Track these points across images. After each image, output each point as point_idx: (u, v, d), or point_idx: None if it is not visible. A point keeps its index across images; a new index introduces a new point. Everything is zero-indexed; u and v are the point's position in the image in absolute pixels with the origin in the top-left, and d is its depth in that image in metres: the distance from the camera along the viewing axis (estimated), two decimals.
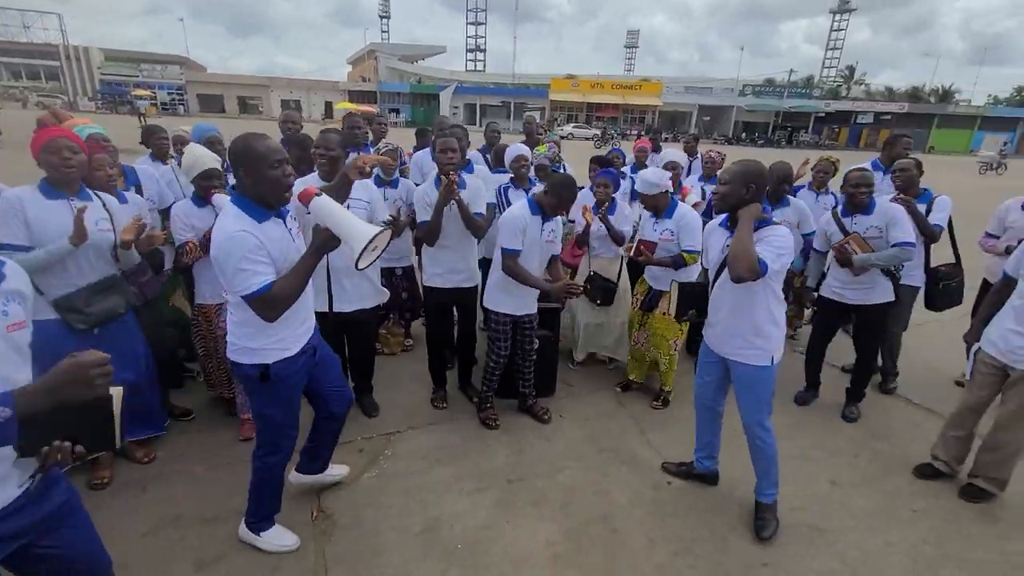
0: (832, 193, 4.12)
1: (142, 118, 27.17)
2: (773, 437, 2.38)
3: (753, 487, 2.47)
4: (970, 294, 3.52)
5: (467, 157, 4.06)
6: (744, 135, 45.99)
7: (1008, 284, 2.60)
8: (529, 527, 2.41)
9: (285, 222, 1.92)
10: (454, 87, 48.99)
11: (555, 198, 2.78)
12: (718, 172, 4.43)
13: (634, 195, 4.15)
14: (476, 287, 3.28)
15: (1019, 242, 2.76)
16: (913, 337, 3.90)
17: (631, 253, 3.40)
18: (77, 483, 2.15)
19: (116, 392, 1.24)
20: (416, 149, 4.87)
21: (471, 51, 68.61)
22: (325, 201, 1.78)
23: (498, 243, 2.83)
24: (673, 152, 4.50)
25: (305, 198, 1.78)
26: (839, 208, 3.28)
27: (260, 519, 2.22)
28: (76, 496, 1.46)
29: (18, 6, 50.91)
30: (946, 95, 54.51)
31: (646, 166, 4.89)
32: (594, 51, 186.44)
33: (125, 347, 2.48)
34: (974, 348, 2.70)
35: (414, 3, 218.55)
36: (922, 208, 3.35)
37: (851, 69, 62.09)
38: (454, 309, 3.33)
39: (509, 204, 3.70)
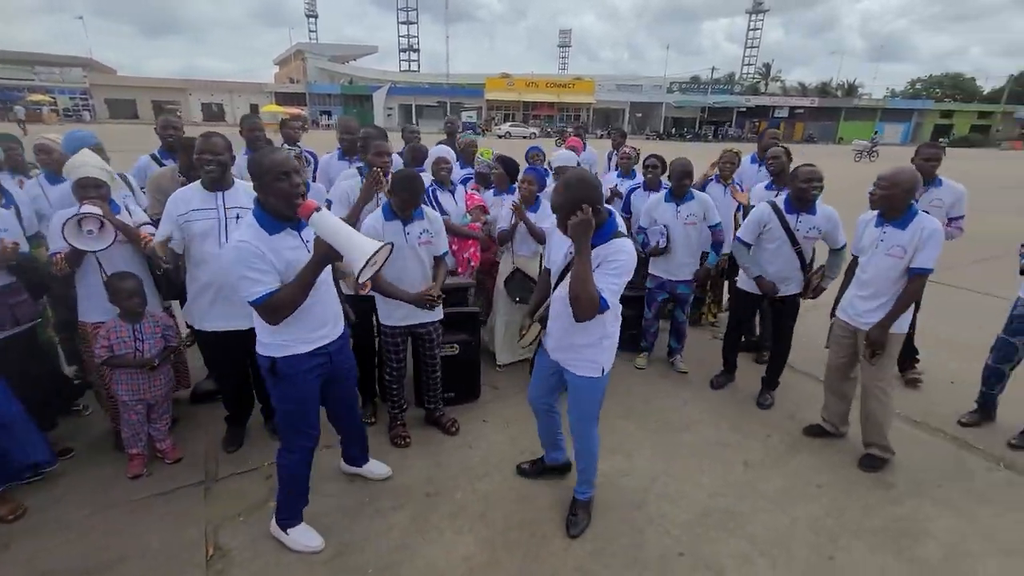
0: (739, 183, 4.29)
1: (22, 125, 24.70)
2: (596, 442, 2.38)
3: (669, 486, 2.49)
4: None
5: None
6: (674, 131, 47.85)
7: (856, 261, 2.89)
8: (446, 542, 2.31)
9: (301, 234, 1.99)
10: (387, 88, 48.02)
11: (397, 196, 2.61)
12: (634, 167, 4.54)
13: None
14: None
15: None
16: (819, 318, 4.13)
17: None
18: None
19: None
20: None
21: (404, 51, 67.59)
22: (325, 216, 1.80)
23: None
24: (567, 155, 4.51)
25: (304, 212, 1.79)
26: (783, 204, 3.19)
27: (287, 517, 2.29)
28: None
29: None
30: (851, 90, 59.00)
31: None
32: (527, 50, 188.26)
33: None
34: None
35: (342, 2, 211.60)
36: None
37: (767, 67, 66.06)
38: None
39: (438, 206, 3.60)
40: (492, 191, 4.12)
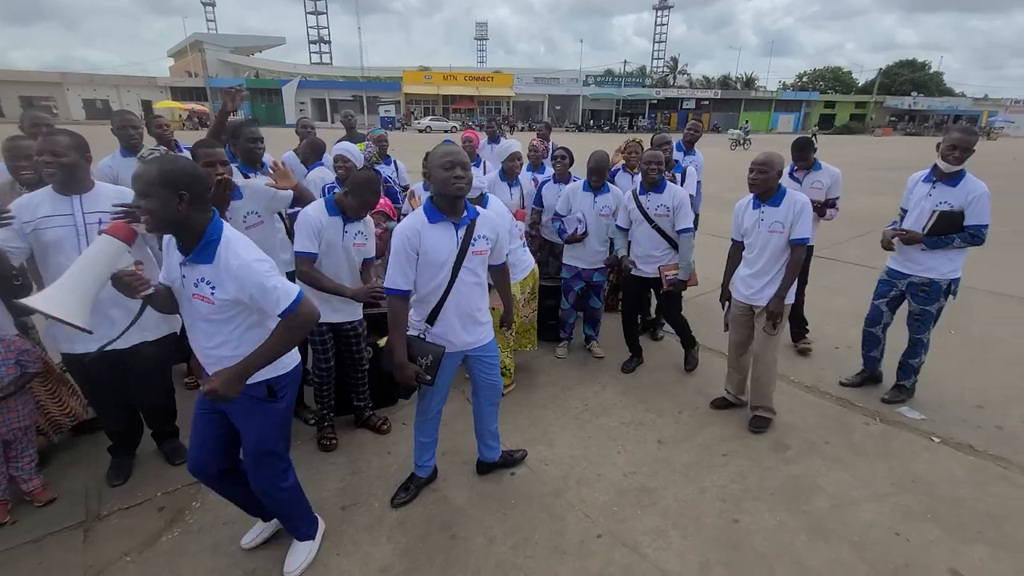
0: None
1: None
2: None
3: (587, 470, 2.54)
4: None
5: (283, 158, 3.67)
6: (592, 122, 49.24)
7: (737, 246, 3.14)
8: (362, 555, 2.22)
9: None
10: (298, 81, 45.51)
11: (356, 198, 2.56)
12: (544, 161, 4.57)
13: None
14: None
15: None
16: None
17: None
18: None
19: None
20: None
21: (314, 43, 64.38)
22: (94, 247, 1.73)
23: (294, 246, 2.59)
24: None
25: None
26: (638, 187, 3.56)
27: (310, 526, 2.22)
28: None
29: None
30: (749, 82, 63.65)
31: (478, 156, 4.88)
32: (445, 43, 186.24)
33: None
34: (728, 304, 3.22)
35: None
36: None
37: (675, 60, 69.71)
38: None
39: None
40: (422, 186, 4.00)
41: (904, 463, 2.81)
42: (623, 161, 4.41)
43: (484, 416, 2.61)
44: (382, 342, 2.30)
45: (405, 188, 4.37)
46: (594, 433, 3.08)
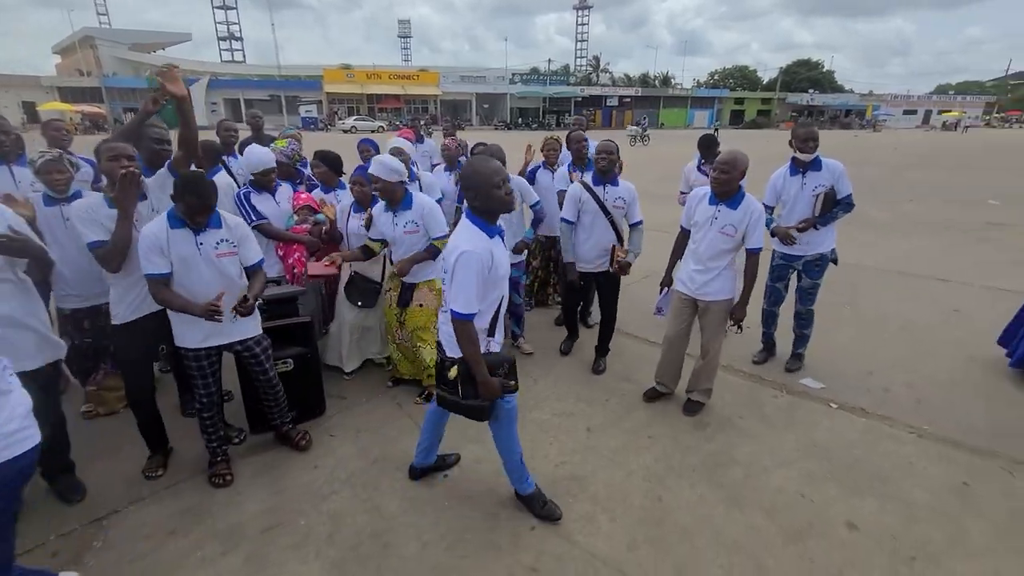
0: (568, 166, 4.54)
1: None
2: None
3: (530, 458, 2.56)
4: None
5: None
6: (520, 120, 49.75)
7: (685, 234, 3.16)
8: (289, 575, 2.12)
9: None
10: (207, 80, 42.59)
11: (180, 203, 2.27)
12: (461, 159, 4.55)
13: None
14: None
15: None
16: (649, 287, 4.58)
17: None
18: None
19: None
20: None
21: (224, 39, 60.49)
22: None
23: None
24: (401, 141, 4.41)
25: None
26: (591, 177, 3.52)
27: None
28: None
29: None
30: (666, 80, 66.77)
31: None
32: (367, 41, 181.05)
33: None
34: (666, 290, 3.30)
35: None
36: None
37: (597, 59, 71.83)
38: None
39: (251, 210, 3.22)
40: (320, 188, 3.85)
41: (807, 430, 3.07)
42: (543, 159, 4.48)
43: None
44: (452, 373, 2.13)
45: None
46: (527, 427, 3.11)
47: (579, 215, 3.51)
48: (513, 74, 55.64)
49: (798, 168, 3.45)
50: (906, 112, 62.43)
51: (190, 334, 2.43)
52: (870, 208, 9.05)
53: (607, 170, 3.42)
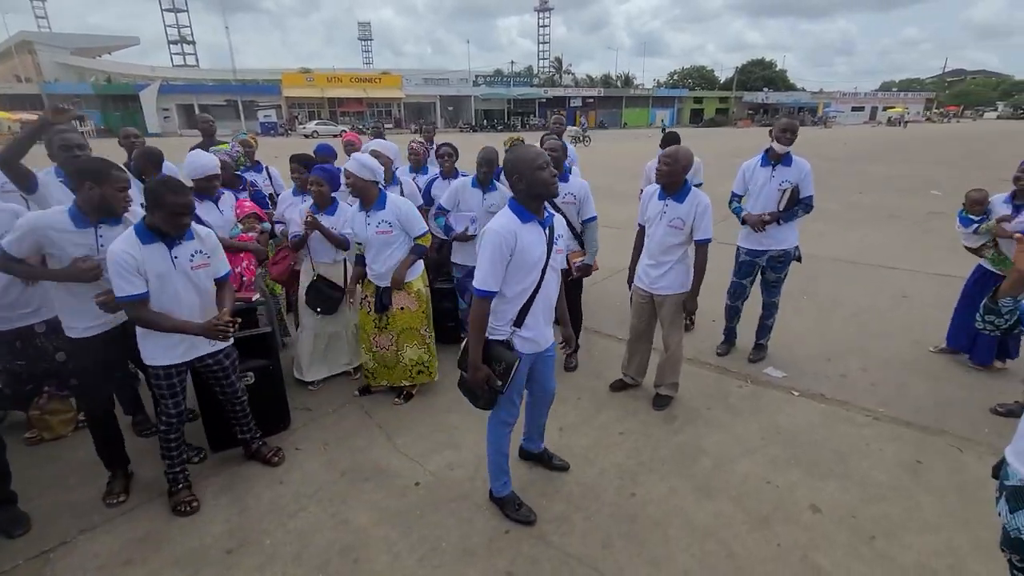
0: None
1: None
2: None
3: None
4: None
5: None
6: (485, 122, 49.72)
7: (643, 230, 3.22)
8: None
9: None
10: (158, 86, 40.96)
11: (163, 209, 2.14)
12: (427, 163, 4.50)
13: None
14: None
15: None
16: (617, 284, 4.63)
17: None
18: None
19: None
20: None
21: (175, 43, 58.30)
22: None
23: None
24: (381, 143, 4.37)
25: None
26: None
27: None
28: None
29: None
30: (627, 81, 67.97)
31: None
32: (327, 44, 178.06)
33: None
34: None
35: None
36: None
37: (559, 60, 72.44)
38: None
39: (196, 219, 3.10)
40: (292, 191, 3.74)
41: (771, 417, 3.15)
42: None
43: (538, 415, 2.63)
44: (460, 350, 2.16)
45: (278, 195, 4.07)
46: None
47: None
48: (477, 76, 55.66)
49: (770, 160, 3.54)
50: (854, 109, 65.31)
51: (164, 351, 2.31)
52: (822, 200, 9.45)
53: (554, 166, 3.47)
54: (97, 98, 40.82)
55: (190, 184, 3.17)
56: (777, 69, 73.69)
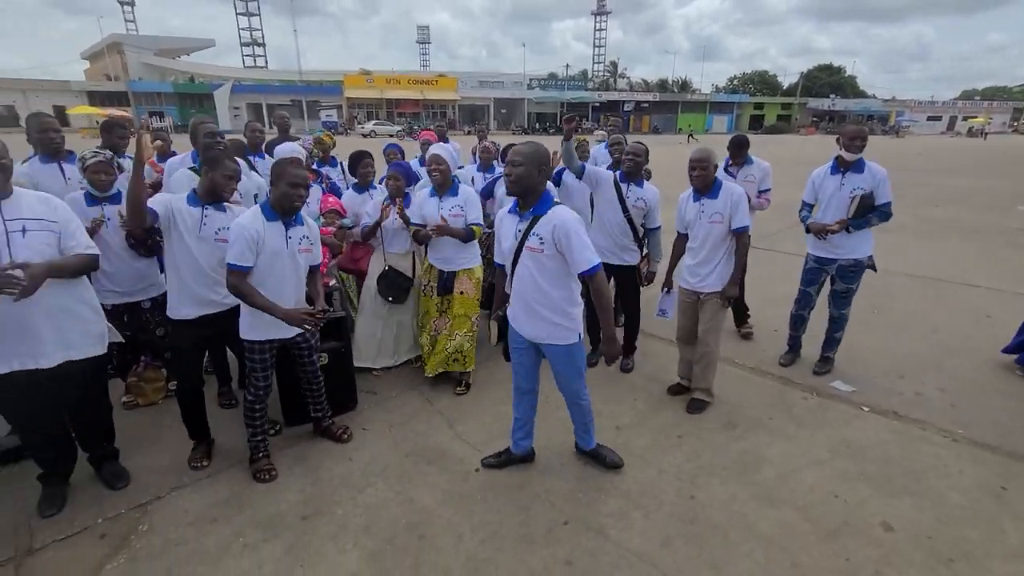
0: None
1: None
2: (588, 397, 2.63)
3: (550, 460, 2.59)
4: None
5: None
6: (537, 125, 49.88)
7: (682, 237, 3.31)
8: (329, 564, 2.16)
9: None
10: (231, 85, 43.52)
11: (285, 182, 2.40)
12: (493, 161, 4.61)
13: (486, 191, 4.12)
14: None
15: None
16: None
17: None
18: None
19: None
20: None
21: (247, 45, 61.74)
22: None
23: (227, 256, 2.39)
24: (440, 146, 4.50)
25: None
26: (618, 174, 3.60)
27: None
28: None
29: None
30: (684, 86, 66.44)
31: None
32: (385, 47, 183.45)
33: None
34: (666, 291, 3.40)
35: None
36: None
37: (615, 64, 71.76)
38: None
39: None
40: (354, 188, 3.95)
41: (839, 431, 3.04)
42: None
43: (570, 413, 2.71)
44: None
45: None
46: (555, 425, 3.13)
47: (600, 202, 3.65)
48: (531, 79, 55.90)
49: (839, 167, 3.43)
50: (930, 118, 61.27)
51: (264, 327, 2.50)
52: (895, 212, 8.93)
53: (632, 171, 3.52)
54: (176, 96, 43.82)
55: None
56: (846, 75, 70.12)
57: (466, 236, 3.30)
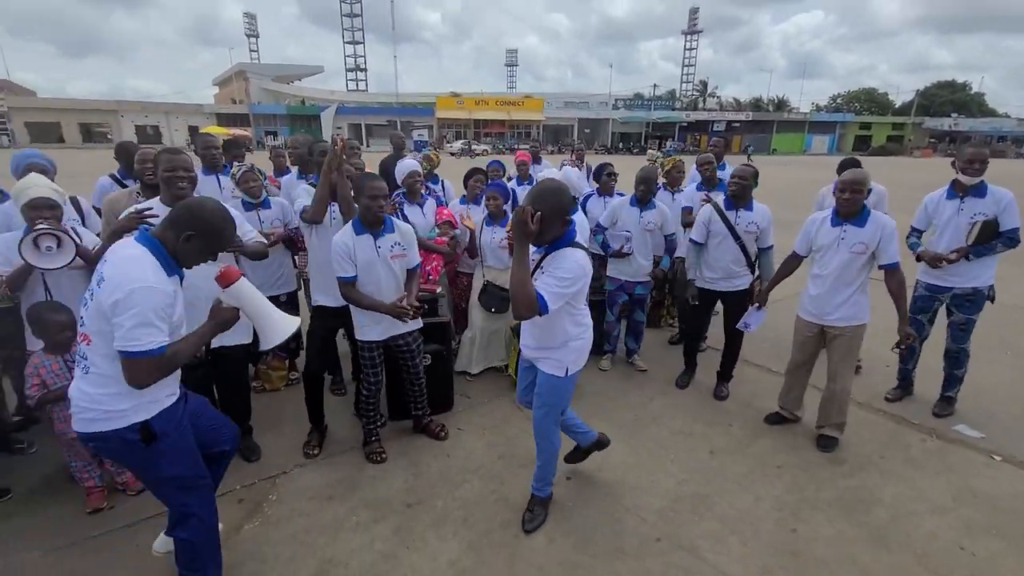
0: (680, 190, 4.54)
1: None
2: (557, 441, 2.45)
3: (641, 477, 2.60)
4: None
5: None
6: (621, 145, 49.58)
7: (796, 259, 3.12)
8: (431, 549, 2.33)
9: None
10: (336, 107, 47.42)
11: (356, 200, 2.68)
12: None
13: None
14: None
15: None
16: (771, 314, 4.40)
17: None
18: None
19: None
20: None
21: (351, 71, 66.98)
22: (246, 286, 1.79)
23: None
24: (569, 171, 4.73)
25: (224, 280, 1.74)
26: (723, 201, 3.46)
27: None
28: None
29: None
30: (780, 105, 63.13)
31: (531, 177, 5.07)
32: (474, 69, 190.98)
33: None
34: (756, 306, 3.30)
35: (283, 22, 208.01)
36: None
37: (704, 83, 69.83)
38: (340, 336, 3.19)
39: (405, 219, 3.64)
40: (460, 201, 4.21)
41: (964, 478, 2.78)
42: (664, 180, 4.53)
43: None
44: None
45: (448, 204, 4.55)
46: (644, 442, 3.14)
47: (707, 237, 3.50)
48: (616, 99, 55.80)
49: (957, 192, 3.19)
50: None
51: (372, 329, 2.79)
52: None
53: (739, 195, 3.38)
54: (288, 117, 48.46)
55: (399, 185, 3.76)
56: (972, 92, 63.23)
57: None
